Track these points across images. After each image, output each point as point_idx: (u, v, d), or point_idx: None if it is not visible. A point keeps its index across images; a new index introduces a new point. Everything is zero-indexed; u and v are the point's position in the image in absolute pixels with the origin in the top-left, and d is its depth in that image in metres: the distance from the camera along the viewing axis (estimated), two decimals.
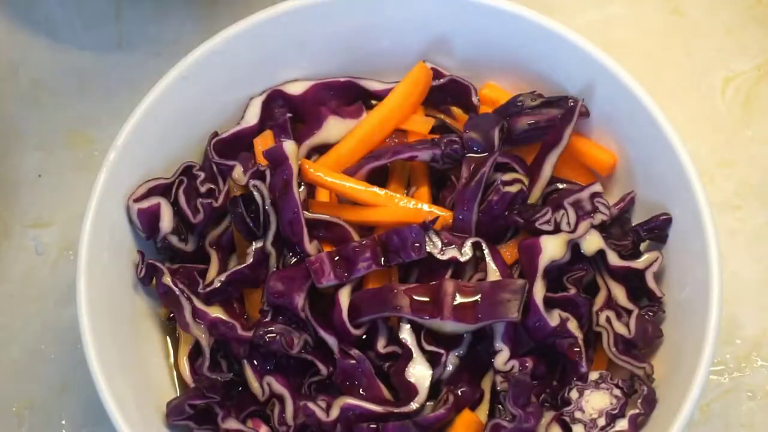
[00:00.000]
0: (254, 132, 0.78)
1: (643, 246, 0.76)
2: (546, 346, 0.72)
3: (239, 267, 0.73)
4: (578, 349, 0.71)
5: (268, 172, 0.73)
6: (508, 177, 0.75)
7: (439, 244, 0.72)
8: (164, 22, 0.94)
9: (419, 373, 0.70)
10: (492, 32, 0.78)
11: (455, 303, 0.70)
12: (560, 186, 0.77)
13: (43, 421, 0.81)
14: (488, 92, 0.81)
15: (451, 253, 0.72)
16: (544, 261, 0.71)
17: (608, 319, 0.72)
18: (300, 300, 0.70)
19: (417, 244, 0.71)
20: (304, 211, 0.72)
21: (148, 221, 0.74)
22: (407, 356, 0.71)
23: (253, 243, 0.73)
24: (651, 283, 0.74)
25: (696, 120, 0.91)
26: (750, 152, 0.90)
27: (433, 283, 0.71)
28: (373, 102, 0.80)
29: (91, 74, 0.92)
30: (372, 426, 0.69)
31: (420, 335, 0.71)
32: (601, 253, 0.73)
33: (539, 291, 0.71)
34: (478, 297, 0.70)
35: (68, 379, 0.82)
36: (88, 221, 0.71)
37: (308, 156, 0.78)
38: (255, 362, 0.72)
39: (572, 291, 0.72)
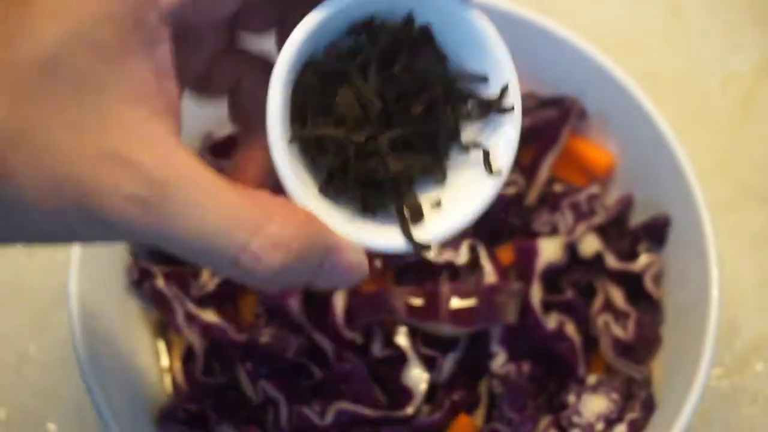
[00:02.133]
0: None
1: (641, 248, 0.76)
2: (543, 350, 0.72)
3: None
4: (576, 353, 0.71)
5: None
6: None
7: None
8: None
9: (415, 376, 0.70)
10: None
11: (451, 306, 0.70)
12: (557, 187, 0.77)
13: (33, 425, 0.80)
14: None
15: (447, 255, 0.71)
16: (541, 263, 0.71)
17: (606, 322, 0.72)
18: (295, 303, 0.70)
19: None
20: None
21: None
22: (403, 360, 0.70)
23: None
24: (649, 285, 0.74)
25: (694, 121, 0.91)
26: (749, 153, 0.90)
27: (429, 286, 0.71)
28: None
29: None
30: (367, 430, 0.69)
31: (416, 339, 0.71)
32: (598, 256, 0.73)
33: (536, 294, 0.71)
34: (474, 300, 0.70)
35: (59, 383, 0.81)
36: None
37: None
38: (249, 366, 0.72)
39: (570, 294, 0.72)
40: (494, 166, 0.48)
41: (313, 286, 0.45)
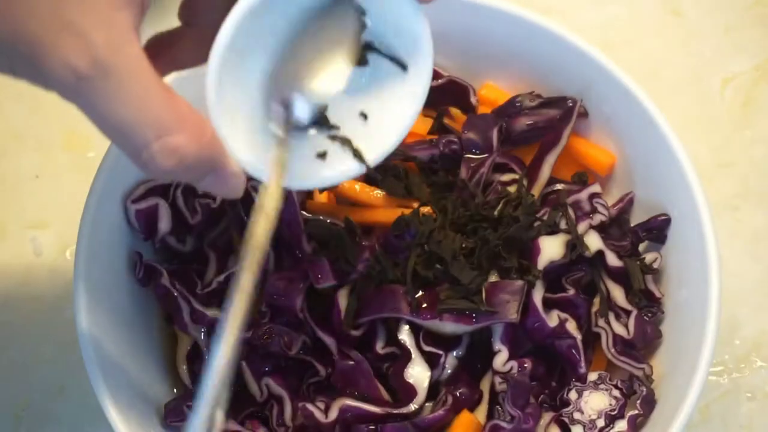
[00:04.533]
0: None
1: (642, 247, 0.76)
2: (545, 347, 0.72)
3: (237, 268, 0.72)
4: (577, 350, 0.71)
5: None
6: (506, 178, 0.75)
7: None
8: (162, 23, 0.93)
9: (418, 374, 0.70)
10: (490, 33, 0.78)
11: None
12: (559, 186, 0.77)
13: (40, 422, 0.81)
14: (487, 93, 0.81)
15: None
16: (543, 261, 0.71)
17: (607, 320, 0.72)
18: (298, 301, 0.70)
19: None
20: (302, 212, 0.72)
21: (146, 222, 0.74)
22: (406, 357, 0.70)
23: None
24: (650, 283, 0.74)
25: (695, 120, 0.91)
26: (749, 153, 0.90)
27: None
28: None
29: None
30: (371, 427, 0.69)
31: (419, 336, 0.71)
32: (599, 254, 0.73)
33: (538, 292, 0.71)
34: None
35: (66, 380, 0.82)
36: (85, 222, 0.71)
37: None
38: (253, 363, 0.72)
39: (571, 292, 0.72)
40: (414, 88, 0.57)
41: (196, 186, 0.55)
